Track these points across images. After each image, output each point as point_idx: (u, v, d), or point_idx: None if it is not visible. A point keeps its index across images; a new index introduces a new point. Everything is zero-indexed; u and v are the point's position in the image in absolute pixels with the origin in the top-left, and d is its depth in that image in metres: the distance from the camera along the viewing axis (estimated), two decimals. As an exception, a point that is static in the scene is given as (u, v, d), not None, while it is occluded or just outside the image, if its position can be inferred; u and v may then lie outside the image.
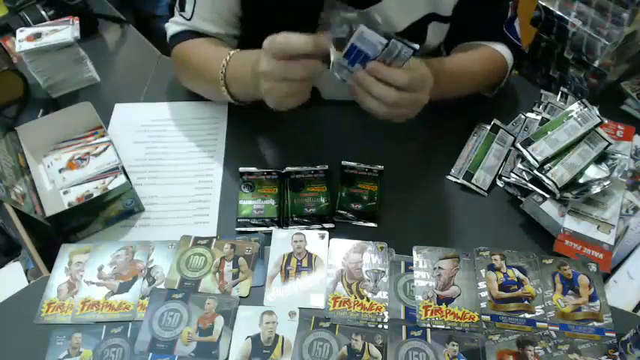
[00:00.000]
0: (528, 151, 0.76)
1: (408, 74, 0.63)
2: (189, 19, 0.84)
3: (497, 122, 0.83)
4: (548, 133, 0.77)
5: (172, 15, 0.90)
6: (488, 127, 0.85)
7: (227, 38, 0.87)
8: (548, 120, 0.84)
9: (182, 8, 0.85)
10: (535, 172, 0.75)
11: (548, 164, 0.75)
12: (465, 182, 0.80)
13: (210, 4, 0.83)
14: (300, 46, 0.61)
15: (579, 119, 0.77)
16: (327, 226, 0.75)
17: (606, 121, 0.78)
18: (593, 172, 0.75)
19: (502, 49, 0.88)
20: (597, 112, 0.78)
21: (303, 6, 0.81)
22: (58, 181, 0.79)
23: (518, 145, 0.77)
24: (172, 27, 0.89)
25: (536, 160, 0.75)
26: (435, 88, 0.68)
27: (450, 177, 0.82)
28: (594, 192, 0.73)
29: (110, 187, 0.75)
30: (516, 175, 0.77)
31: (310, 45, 0.61)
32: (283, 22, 0.83)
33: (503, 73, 0.89)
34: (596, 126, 0.77)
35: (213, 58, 0.79)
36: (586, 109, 0.78)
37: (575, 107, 0.79)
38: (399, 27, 0.84)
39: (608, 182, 0.73)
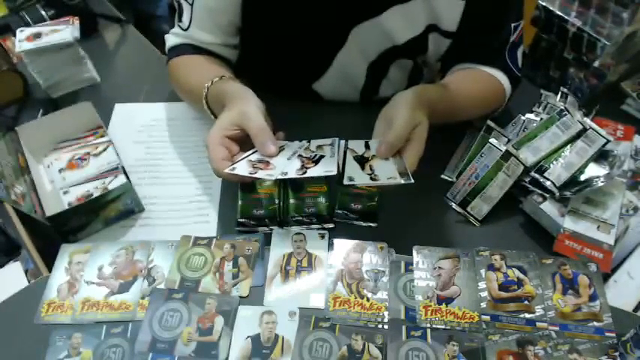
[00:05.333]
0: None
1: (393, 134, 0.66)
2: (186, 29, 0.84)
3: (491, 123, 0.83)
4: (531, 140, 0.77)
5: (172, 15, 0.90)
6: (482, 129, 0.85)
7: (225, 49, 0.87)
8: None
9: (180, 19, 0.85)
10: (532, 173, 0.75)
11: (544, 164, 0.75)
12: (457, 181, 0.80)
13: (207, 15, 0.82)
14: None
15: (561, 127, 0.77)
16: (327, 226, 0.75)
17: (590, 127, 0.76)
18: (593, 169, 0.75)
19: (502, 78, 0.84)
20: (580, 118, 0.77)
21: (304, 26, 0.81)
22: (58, 181, 0.79)
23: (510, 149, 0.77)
24: (171, 39, 0.88)
25: (524, 165, 0.74)
26: (431, 117, 0.69)
27: (444, 176, 0.82)
28: (595, 188, 0.72)
29: (110, 187, 0.75)
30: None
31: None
32: (282, 35, 0.84)
33: (501, 103, 0.87)
34: (579, 133, 0.76)
35: (195, 85, 0.79)
36: (568, 115, 0.77)
37: (556, 115, 0.78)
38: (400, 41, 0.83)
39: (609, 178, 0.73)
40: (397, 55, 0.87)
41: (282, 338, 0.63)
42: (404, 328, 0.64)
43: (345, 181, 0.65)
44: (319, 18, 0.81)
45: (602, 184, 0.73)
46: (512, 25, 0.82)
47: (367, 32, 0.82)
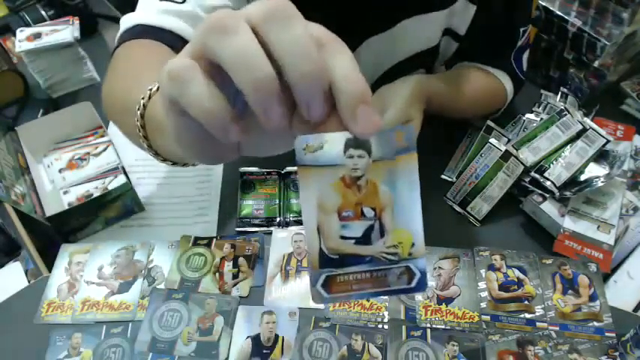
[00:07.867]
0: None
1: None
2: (183, 2, 0.63)
3: (491, 124, 0.83)
4: (531, 140, 0.77)
5: None
6: (482, 129, 0.85)
7: None
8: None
9: None
10: (532, 173, 0.75)
11: (544, 164, 0.75)
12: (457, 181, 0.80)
13: None
14: None
15: (561, 127, 0.77)
16: (327, 226, 0.75)
17: (590, 127, 0.76)
18: (593, 169, 0.75)
19: (505, 80, 0.84)
20: (580, 118, 0.77)
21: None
22: (58, 181, 0.79)
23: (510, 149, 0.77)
24: (126, 21, 0.67)
25: (524, 165, 0.74)
26: (428, 108, 0.69)
27: (444, 176, 0.82)
28: (595, 188, 0.72)
29: (110, 187, 0.75)
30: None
31: None
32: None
33: (501, 105, 0.86)
34: (579, 133, 0.76)
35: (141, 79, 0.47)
36: (568, 115, 0.77)
37: (556, 115, 0.78)
38: (413, 51, 0.80)
39: (609, 178, 0.73)
40: (409, 68, 0.83)
41: (282, 338, 0.63)
42: (404, 328, 0.64)
43: None
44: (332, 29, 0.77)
45: (602, 184, 0.73)
46: (521, 29, 0.81)
47: (380, 44, 0.77)
